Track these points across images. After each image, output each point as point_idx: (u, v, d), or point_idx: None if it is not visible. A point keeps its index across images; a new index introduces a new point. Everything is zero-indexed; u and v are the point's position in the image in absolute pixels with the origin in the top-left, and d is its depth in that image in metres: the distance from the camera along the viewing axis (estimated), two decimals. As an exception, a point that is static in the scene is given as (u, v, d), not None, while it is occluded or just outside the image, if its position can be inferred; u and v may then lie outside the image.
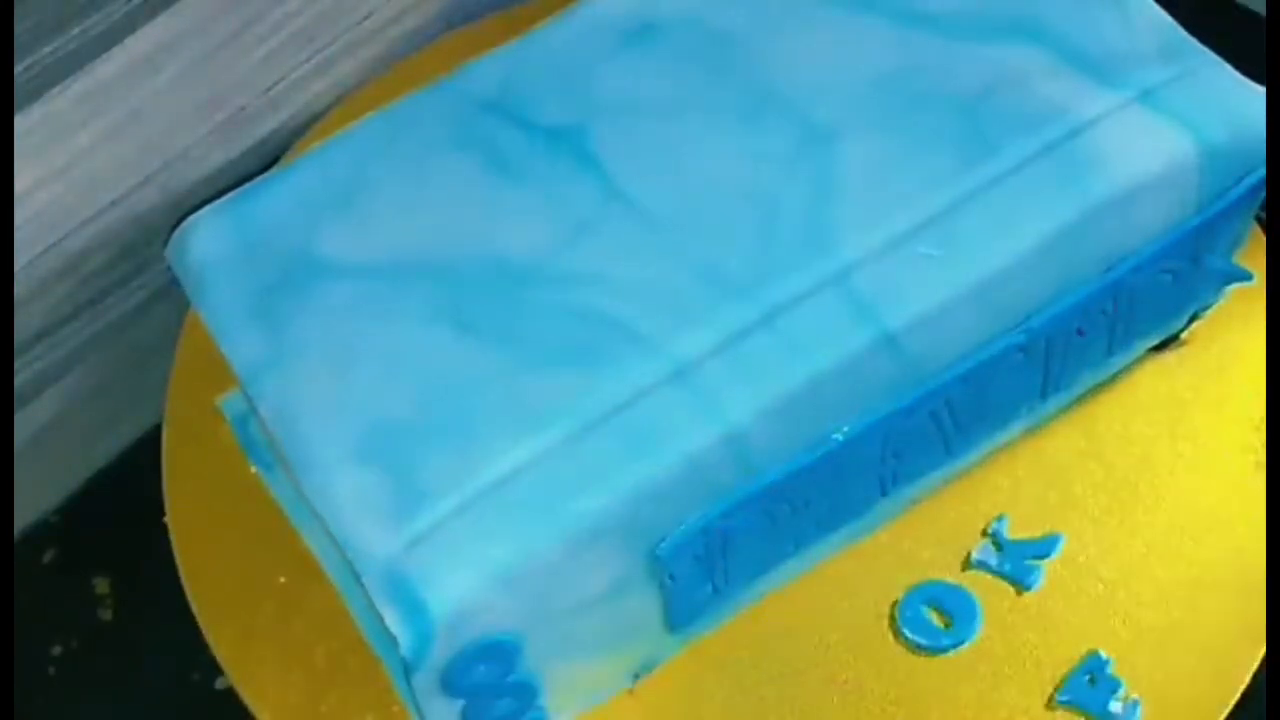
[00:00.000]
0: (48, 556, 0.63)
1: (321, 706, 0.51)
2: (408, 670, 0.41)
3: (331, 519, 0.42)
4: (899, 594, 0.51)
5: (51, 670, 0.60)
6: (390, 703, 0.50)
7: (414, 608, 0.40)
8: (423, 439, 0.43)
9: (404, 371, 0.44)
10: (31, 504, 0.64)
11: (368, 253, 0.47)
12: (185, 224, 0.49)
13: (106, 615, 0.62)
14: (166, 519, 0.55)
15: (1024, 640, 0.50)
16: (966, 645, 0.50)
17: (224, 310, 0.47)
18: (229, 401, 0.56)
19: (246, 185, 0.50)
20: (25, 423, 0.61)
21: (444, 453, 0.42)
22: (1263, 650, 0.49)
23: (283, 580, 0.53)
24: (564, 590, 0.43)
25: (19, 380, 0.60)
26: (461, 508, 0.42)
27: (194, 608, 0.53)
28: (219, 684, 0.56)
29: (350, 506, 0.42)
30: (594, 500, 0.42)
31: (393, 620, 0.41)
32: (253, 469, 0.55)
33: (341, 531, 0.42)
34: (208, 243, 0.48)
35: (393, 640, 0.41)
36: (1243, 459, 0.53)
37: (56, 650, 0.61)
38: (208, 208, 0.49)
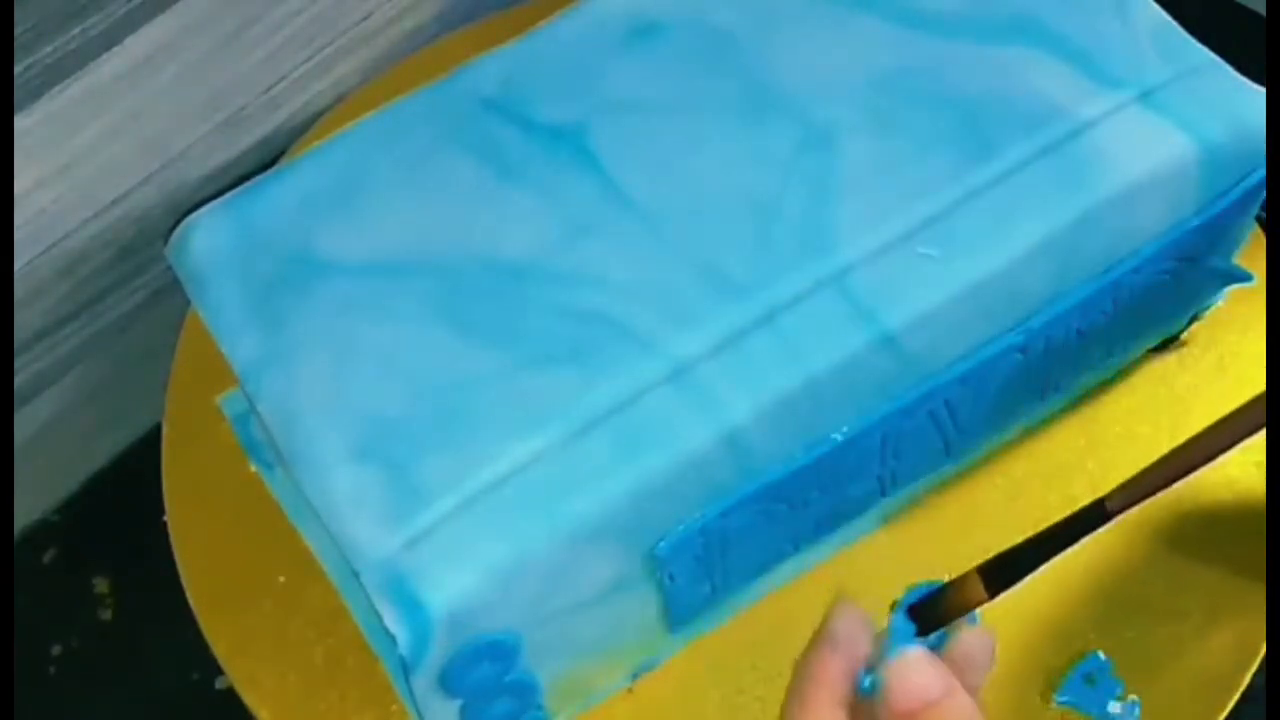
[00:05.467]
0: (48, 556, 0.63)
1: (321, 705, 0.51)
2: (406, 669, 0.41)
3: (330, 517, 0.42)
4: (898, 594, 0.51)
5: (51, 670, 0.60)
6: (389, 702, 0.51)
7: (412, 606, 0.40)
8: (421, 438, 0.43)
9: (403, 370, 0.44)
10: (31, 504, 0.64)
11: (367, 252, 0.47)
12: (185, 223, 0.49)
13: (106, 615, 0.62)
14: (166, 519, 0.55)
15: (1023, 640, 0.50)
16: (966, 645, 0.50)
17: (224, 309, 0.47)
18: (229, 400, 0.56)
19: (246, 185, 0.50)
20: (25, 423, 0.61)
21: (443, 452, 0.42)
22: (1263, 650, 0.49)
23: (282, 579, 0.53)
24: (562, 589, 0.43)
25: (19, 380, 0.60)
26: (460, 507, 0.42)
27: (194, 607, 0.53)
28: (219, 684, 0.56)
29: (349, 505, 0.42)
30: (592, 500, 0.42)
31: (391, 619, 0.41)
32: (253, 468, 0.55)
33: (340, 530, 0.42)
34: (208, 242, 0.48)
35: (391, 639, 0.41)
36: (1243, 459, 0.53)
37: (56, 650, 0.61)
38: (208, 207, 0.49)
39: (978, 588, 0.39)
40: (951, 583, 0.39)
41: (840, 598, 0.39)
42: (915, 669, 0.38)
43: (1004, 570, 0.40)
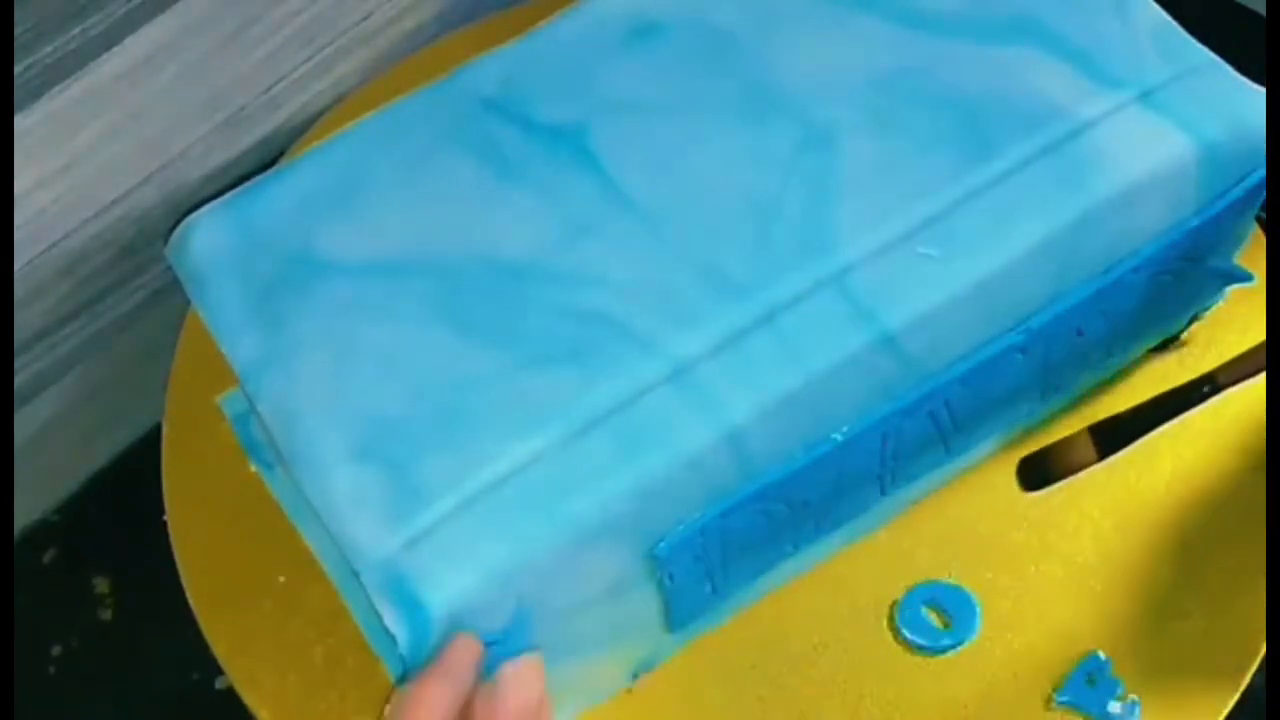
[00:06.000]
0: (48, 556, 0.63)
1: (320, 705, 0.51)
2: (406, 669, 0.41)
3: (330, 517, 0.42)
4: (898, 594, 0.51)
5: (51, 670, 0.60)
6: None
7: (412, 606, 0.40)
8: (421, 438, 0.43)
9: (403, 370, 0.44)
10: (31, 504, 0.64)
11: (367, 252, 0.47)
12: (185, 223, 0.49)
13: (106, 615, 0.62)
14: (166, 519, 0.55)
15: (1023, 640, 0.50)
16: (966, 645, 0.50)
17: (224, 309, 0.47)
18: (229, 400, 0.56)
19: (246, 185, 0.50)
20: (25, 423, 0.61)
21: (443, 451, 0.42)
22: (1262, 650, 0.49)
23: (282, 579, 0.53)
24: (563, 589, 0.43)
25: (19, 380, 0.60)
26: (460, 506, 0.42)
27: (194, 607, 0.53)
28: (219, 684, 0.56)
29: (349, 505, 0.42)
30: (592, 500, 0.42)
31: (391, 619, 0.41)
32: (253, 468, 0.55)
33: (340, 530, 0.42)
34: (208, 242, 0.48)
35: (391, 639, 0.41)
36: (1243, 459, 0.53)
37: (56, 650, 0.61)
38: (208, 207, 0.49)
39: (1088, 448, 0.39)
40: (1062, 441, 0.39)
41: (461, 634, 0.40)
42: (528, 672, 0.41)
43: (1115, 432, 0.39)
